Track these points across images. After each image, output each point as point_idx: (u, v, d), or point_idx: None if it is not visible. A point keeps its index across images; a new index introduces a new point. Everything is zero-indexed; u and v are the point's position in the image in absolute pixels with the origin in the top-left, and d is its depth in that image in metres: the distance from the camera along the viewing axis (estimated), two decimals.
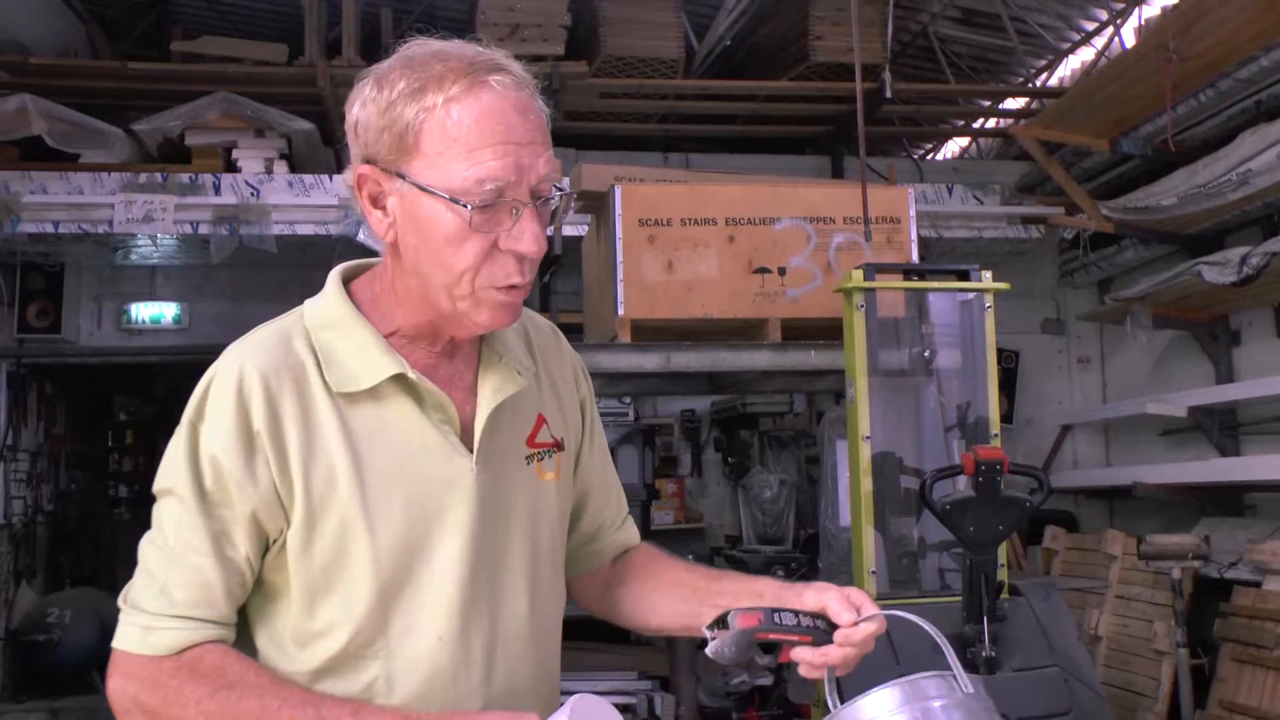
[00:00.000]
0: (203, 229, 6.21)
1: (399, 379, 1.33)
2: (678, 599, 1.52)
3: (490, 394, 1.39)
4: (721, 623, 1.29)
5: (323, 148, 6.78)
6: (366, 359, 1.33)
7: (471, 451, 1.36)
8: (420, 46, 1.30)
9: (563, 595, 1.53)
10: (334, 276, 1.42)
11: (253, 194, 6.24)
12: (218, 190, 6.23)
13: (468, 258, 1.27)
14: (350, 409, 1.33)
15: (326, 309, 1.38)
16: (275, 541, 1.31)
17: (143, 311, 7.35)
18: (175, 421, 1.35)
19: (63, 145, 6.25)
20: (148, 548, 1.32)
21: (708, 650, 1.29)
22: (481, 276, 1.28)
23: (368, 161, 1.29)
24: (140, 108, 6.56)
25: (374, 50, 6.94)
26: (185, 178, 6.24)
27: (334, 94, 6.36)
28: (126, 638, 1.30)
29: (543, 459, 1.45)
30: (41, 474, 8.34)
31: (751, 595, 1.41)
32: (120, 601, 1.32)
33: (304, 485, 1.29)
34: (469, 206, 1.24)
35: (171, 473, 1.32)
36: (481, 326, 1.34)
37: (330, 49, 6.60)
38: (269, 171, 6.35)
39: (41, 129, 6.14)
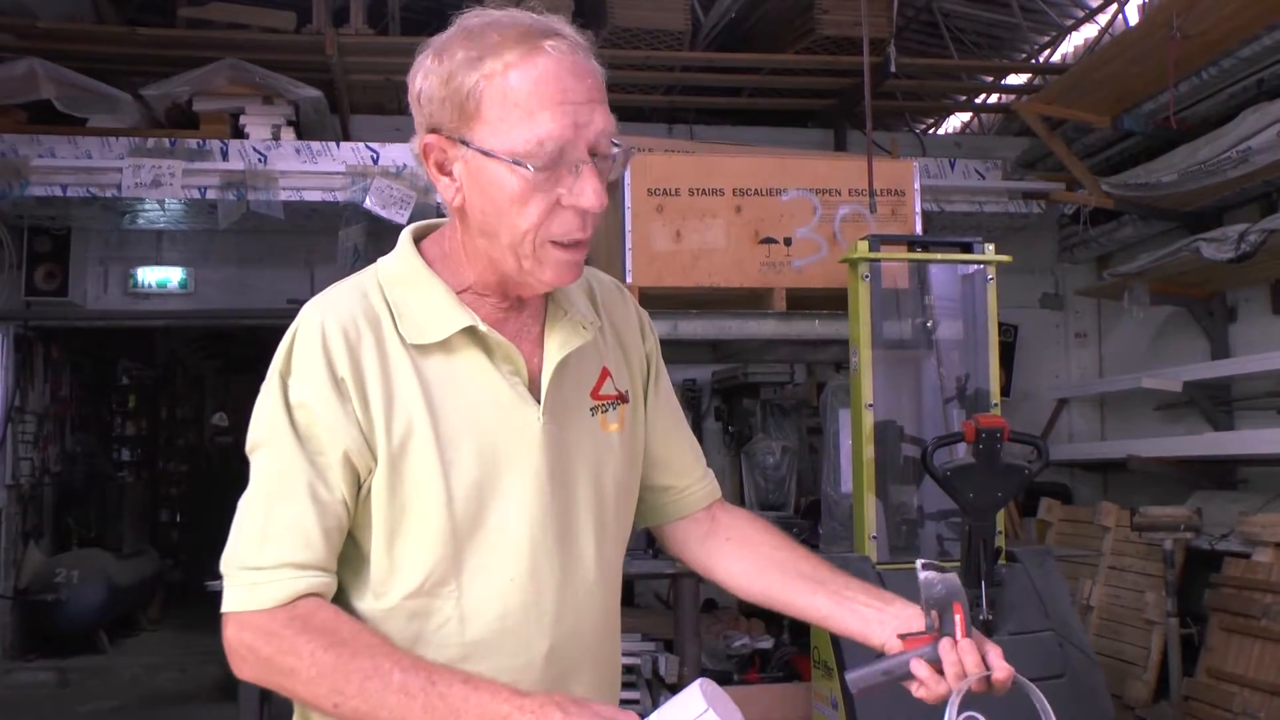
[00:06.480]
0: (210, 194, 6.24)
1: (470, 332, 1.39)
2: (803, 591, 1.56)
3: (557, 347, 1.45)
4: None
5: (330, 115, 6.80)
6: (438, 312, 1.39)
7: (538, 402, 1.42)
8: (476, 17, 1.35)
9: (625, 544, 1.58)
10: (405, 236, 1.48)
11: (260, 160, 6.27)
12: (225, 156, 6.26)
13: (531, 216, 1.33)
14: (423, 360, 1.38)
15: (399, 266, 1.44)
16: (363, 483, 1.36)
17: (149, 276, 7.38)
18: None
19: (71, 109, 6.27)
20: (244, 507, 1.36)
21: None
22: (543, 233, 1.34)
23: (432, 131, 1.35)
24: (148, 73, 6.57)
25: (380, 19, 6.96)
26: (193, 143, 6.26)
27: (341, 62, 6.38)
28: (234, 599, 1.32)
29: (607, 411, 1.51)
30: (48, 436, 8.42)
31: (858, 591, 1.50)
32: (222, 568, 1.35)
33: (385, 431, 1.35)
34: (531, 168, 1.30)
35: (262, 426, 1.37)
36: (545, 284, 1.40)
37: (338, 17, 6.61)
38: (276, 138, 6.38)
39: (50, 93, 6.16)
